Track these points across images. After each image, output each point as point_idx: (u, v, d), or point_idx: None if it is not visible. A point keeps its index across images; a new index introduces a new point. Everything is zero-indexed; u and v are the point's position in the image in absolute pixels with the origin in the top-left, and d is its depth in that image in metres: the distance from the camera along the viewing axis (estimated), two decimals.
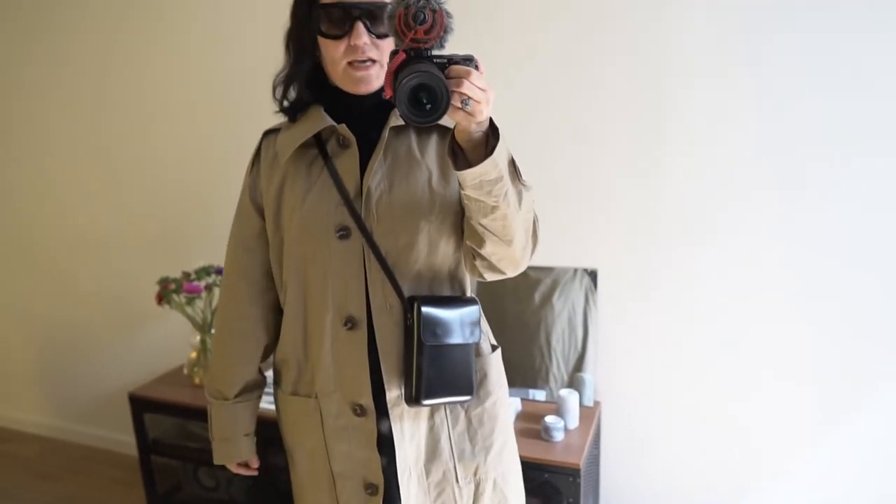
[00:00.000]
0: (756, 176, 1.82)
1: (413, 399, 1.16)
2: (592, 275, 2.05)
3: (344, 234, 1.17)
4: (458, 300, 1.21)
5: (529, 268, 2.07)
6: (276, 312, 1.33)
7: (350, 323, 1.19)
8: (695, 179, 1.88)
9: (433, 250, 1.19)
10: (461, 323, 1.18)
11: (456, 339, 1.17)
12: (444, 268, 1.22)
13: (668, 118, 1.88)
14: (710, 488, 2.05)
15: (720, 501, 2.05)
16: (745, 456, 1.99)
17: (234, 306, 1.32)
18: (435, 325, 1.15)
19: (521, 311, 2.12)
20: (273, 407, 1.39)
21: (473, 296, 1.27)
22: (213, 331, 1.42)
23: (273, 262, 1.28)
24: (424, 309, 1.15)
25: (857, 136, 1.72)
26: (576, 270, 2.06)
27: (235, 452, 1.35)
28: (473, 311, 1.21)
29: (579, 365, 2.07)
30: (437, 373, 1.15)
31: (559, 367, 2.09)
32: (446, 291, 1.23)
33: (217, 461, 1.37)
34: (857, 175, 1.74)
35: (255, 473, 1.42)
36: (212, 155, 2.54)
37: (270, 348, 1.36)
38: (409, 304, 1.17)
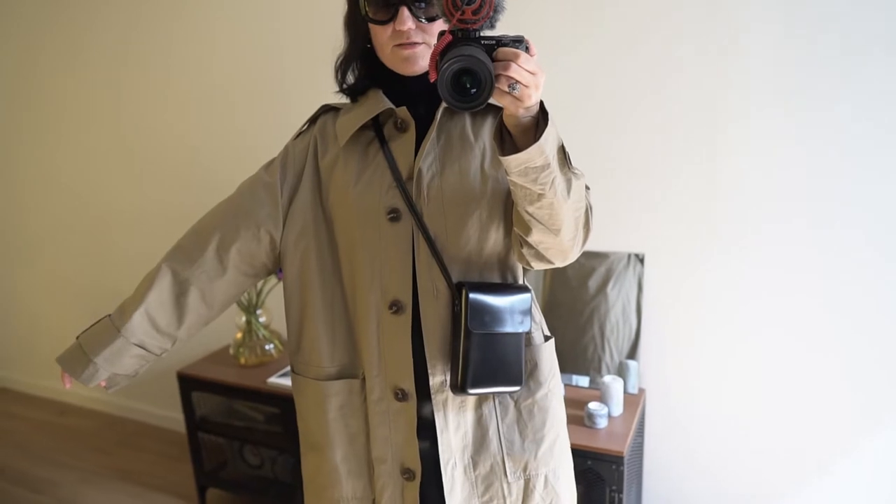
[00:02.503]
0: (807, 178, 1.75)
1: (458, 387, 1.14)
2: (644, 261, 2.00)
3: (394, 216, 1.15)
4: (508, 287, 1.17)
5: (583, 255, 2.06)
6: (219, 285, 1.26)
7: (395, 307, 1.17)
8: (747, 174, 1.82)
9: (484, 235, 1.16)
10: (511, 311, 1.15)
11: (505, 327, 1.14)
12: (495, 254, 1.19)
13: (725, 114, 1.83)
14: (756, 482, 2.00)
15: (765, 495, 2.00)
16: (791, 452, 1.94)
17: (194, 239, 1.27)
18: (483, 313, 1.12)
19: (574, 300, 2.09)
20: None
21: (525, 283, 1.25)
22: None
23: (257, 245, 1.24)
24: (472, 295, 1.12)
25: None
26: (629, 258, 2.02)
27: (89, 375, 1.27)
28: (525, 299, 1.17)
29: (633, 354, 2.04)
30: (484, 361, 1.13)
31: (612, 356, 2.06)
32: (497, 278, 1.20)
33: (59, 361, 1.29)
34: None
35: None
36: (247, 136, 2.56)
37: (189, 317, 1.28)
38: (457, 290, 1.14)
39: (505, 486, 1.23)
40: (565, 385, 2.04)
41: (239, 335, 2.37)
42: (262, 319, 2.37)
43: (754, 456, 1.99)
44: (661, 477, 2.12)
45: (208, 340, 2.83)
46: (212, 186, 2.68)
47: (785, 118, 1.76)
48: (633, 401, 1.96)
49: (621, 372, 2.01)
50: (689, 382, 2.02)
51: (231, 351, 2.40)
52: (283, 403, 2.16)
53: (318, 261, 1.24)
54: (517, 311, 1.16)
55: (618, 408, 1.87)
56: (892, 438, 1.82)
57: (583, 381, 2.07)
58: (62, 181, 3.12)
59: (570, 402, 1.95)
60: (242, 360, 2.35)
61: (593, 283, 2.06)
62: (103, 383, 1.31)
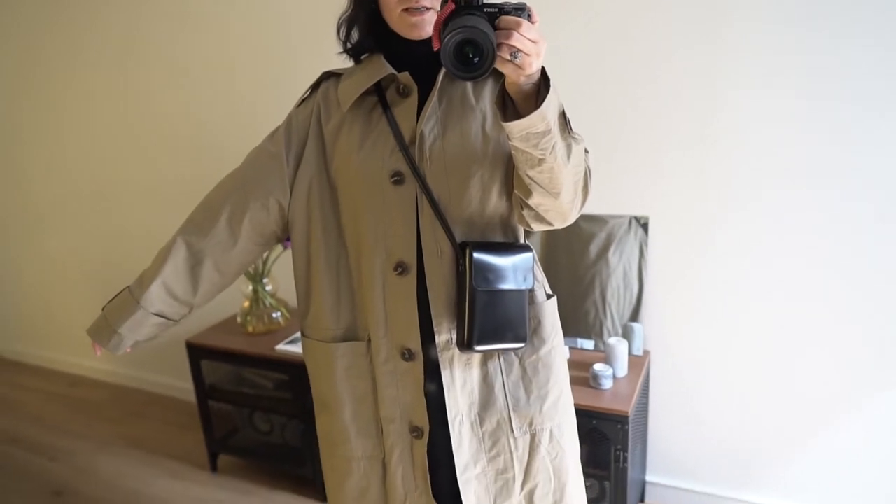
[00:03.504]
0: (813, 134, 1.74)
1: (465, 344, 1.16)
2: (646, 227, 2.00)
3: (398, 179, 1.16)
4: (511, 247, 1.19)
5: (583, 220, 2.07)
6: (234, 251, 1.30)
7: (400, 268, 1.19)
8: (750, 132, 1.81)
9: (486, 196, 1.18)
10: (514, 269, 1.17)
11: (508, 284, 1.16)
12: (497, 215, 1.21)
13: (724, 75, 1.81)
14: (758, 441, 2.02)
15: (767, 456, 2.03)
16: (795, 413, 1.96)
17: (204, 213, 1.30)
18: (487, 271, 1.14)
19: (575, 265, 2.10)
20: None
21: (527, 243, 1.26)
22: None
23: (265, 212, 1.26)
24: (476, 254, 1.14)
25: None
26: (630, 223, 2.02)
27: (115, 343, 1.35)
28: (527, 258, 1.20)
29: (634, 318, 2.05)
30: (489, 318, 1.15)
31: (613, 321, 2.07)
32: (499, 238, 1.22)
33: (89, 333, 1.37)
34: None
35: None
36: (254, 108, 2.55)
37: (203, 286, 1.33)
38: (461, 250, 1.16)
39: (511, 441, 1.26)
40: (570, 348, 2.06)
41: (246, 304, 2.39)
42: (268, 288, 2.39)
43: (757, 418, 2.01)
44: (666, 437, 2.15)
45: (216, 310, 2.85)
46: (218, 159, 2.68)
47: (789, 76, 1.74)
48: (638, 362, 1.98)
49: (626, 334, 2.02)
50: (694, 345, 2.03)
51: (238, 320, 2.42)
52: (292, 370, 2.18)
53: (322, 226, 1.25)
54: (520, 269, 1.18)
55: (622, 369, 1.89)
56: (893, 402, 1.84)
57: (587, 343, 2.09)
58: (69, 156, 3.12)
59: (575, 364, 1.97)
60: (250, 329, 2.37)
61: (594, 247, 2.06)
62: (129, 349, 1.38)
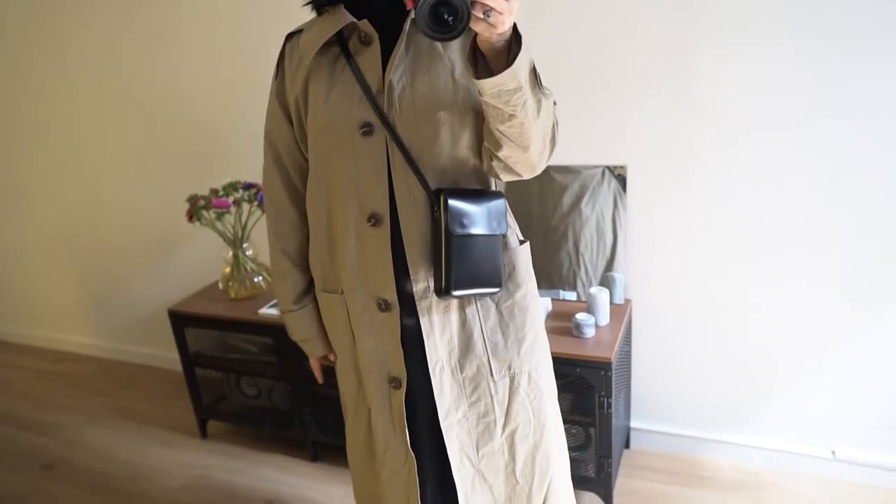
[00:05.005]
0: (791, 78, 1.73)
1: (443, 290, 1.17)
2: (621, 178, 2.00)
3: (367, 130, 1.16)
4: (483, 193, 1.20)
5: (556, 172, 2.06)
6: None
7: (374, 219, 1.19)
8: (729, 79, 1.79)
9: (456, 143, 1.17)
10: (488, 215, 1.18)
11: (483, 229, 1.17)
12: (469, 162, 1.20)
13: (703, 23, 1.78)
14: (738, 384, 2.06)
15: (748, 398, 2.06)
16: (773, 356, 1.99)
17: (273, 207, 1.34)
18: (462, 216, 1.15)
19: (548, 216, 2.09)
20: None
21: (500, 190, 1.26)
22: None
23: (304, 161, 1.29)
24: (451, 200, 1.14)
25: None
26: (604, 174, 2.01)
27: (312, 349, 1.43)
28: (499, 204, 1.21)
29: (609, 270, 2.06)
30: (466, 263, 1.16)
31: (587, 272, 2.08)
32: (471, 186, 1.22)
33: (308, 355, 1.47)
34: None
35: (328, 362, 1.50)
36: (234, 78, 2.50)
37: None
38: (436, 196, 1.16)
39: (491, 385, 1.28)
40: (552, 300, 2.07)
41: (227, 269, 2.38)
42: (249, 253, 2.38)
43: (737, 362, 2.04)
44: (649, 384, 2.18)
45: (197, 277, 2.84)
46: (198, 131, 2.64)
47: (766, 21, 1.73)
48: (620, 311, 1.99)
49: (607, 283, 2.04)
50: (674, 292, 2.05)
51: (220, 285, 2.41)
52: (276, 333, 2.18)
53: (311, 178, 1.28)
54: (493, 215, 1.19)
55: (605, 318, 1.91)
56: (871, 338, 1.87)
57: (569, 295, 2.10)
58: (49, 131, 3.05)
59: (557, 315, 1.99)
60: (232, 294, 2.36)
61: (567, 199, 2.06)
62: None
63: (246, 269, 2.36)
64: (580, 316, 1.86)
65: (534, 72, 0.99)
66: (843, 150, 1.74)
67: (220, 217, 2.26)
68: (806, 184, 1.80)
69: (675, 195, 1.96)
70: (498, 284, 1.21)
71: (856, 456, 1.99)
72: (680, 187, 1.94)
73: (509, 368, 1.28)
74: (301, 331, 1.40)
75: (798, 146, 1.78)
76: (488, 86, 0.95)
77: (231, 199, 2.27)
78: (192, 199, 2.28)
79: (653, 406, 2.21)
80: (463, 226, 1.15)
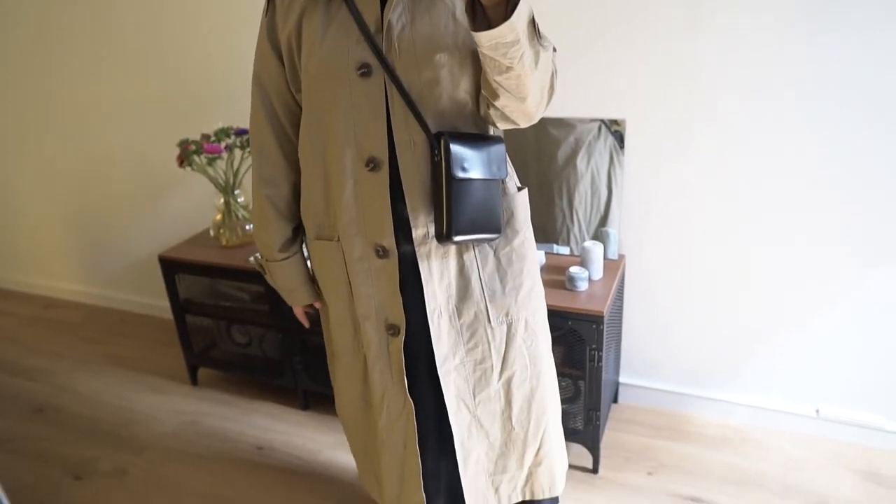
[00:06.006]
0: (797, 37, 1.69)
1: (444, 235, 1.15)
2: (618, 135, 1.97)
3: (365, 71, 1.12)
4: (484, 137, 1.18)
5: (552, 126, 2.03)
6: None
7: (372, 164, 1.16)
8: (736, 35, 1.75)
9: (456, 86, 1.15)
10: (488, 159, 1.16)
11: (484, 174, 1.16)
12: (468, 106, 1.18)
13: None
14: (728, 341, 2.07)
15: (737, 356, 2.08)
16: (763, 314, 2.00)
17: (260, 152, 1.30)
18: (462, 160, 1.13)
19: (543, 170, 2.07)
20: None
21: (499, 135, 1.24)
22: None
23: (295, 104, 1.25)
24: (452, 144, 1.12)
25: None
26: (600, 129, 1.98)
27: (297, 298, 1.41)
28: (499, 148, 1.19)
29: (603, 225, 2.05)
30: (467, 208, 1.14)
31: (580, 228, 2.07)
32: (470, 130, 1.20)
33: (289, 304, 1.45)
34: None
35: (311, 311, 1.49)
36: (226, 20, 2.43)
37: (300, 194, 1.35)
38: (436, 140, 1.14)
39: (489, 331, 1.27)
40: (545, 253, 2.06)
41: (218, 217, 2.35)
42: (240, 200, 2.34)
43: (727, 320, 2.05)
44: (640, 339, 2.19)
45: (187, 224, 2.82)
46: (184, 79, 2.58)
47: None
48: (613, 266, 1.99)
49: (601, 238, 2.03)
50: (669, 249, 2.04)
51: (211, 233, 2.38)
52: (267, 281, 2.17)
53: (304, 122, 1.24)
54: (494, 159, 1.18)
55: (598, 272, 1.90)
56: (852, 316, 1.88)
57: (563, 249, 2.09)
58: (34, 78, 2.97)
59: (550, 269, 1.98)
60: (224, 241, 2.34)
61: (562, 153, 2.04)
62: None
63: (237, 217, 2.34)
64: (574, 269, 1.85)
65: (532, 24, 0.97)
66: (846, 110, 1.72)
67: (211, 163, 2.22)
68: (805, 149, 1.79)
69: (674, 153, 1.93)
70: (497, 230, 1.19)
71: (839, 414, 2.02)
72: (679, 145, 1.92)
73: (507, 315, 1.27)
74: (287, 280, 1.37)
75: (804, 104, 1.76)
76: (486, 38, 0.93)
77: (223, 144, 2.23)
78: (183, 144, 2.23)
79: (641, 362, 2.22)
80: (464, 170, 1.13)
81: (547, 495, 1.47)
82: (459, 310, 1.26)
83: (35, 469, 2.17)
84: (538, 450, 1.40)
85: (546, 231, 2.10)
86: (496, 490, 1.42)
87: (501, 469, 1.40)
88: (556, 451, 1.44)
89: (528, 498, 1.47)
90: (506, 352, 1.30)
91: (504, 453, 1.39)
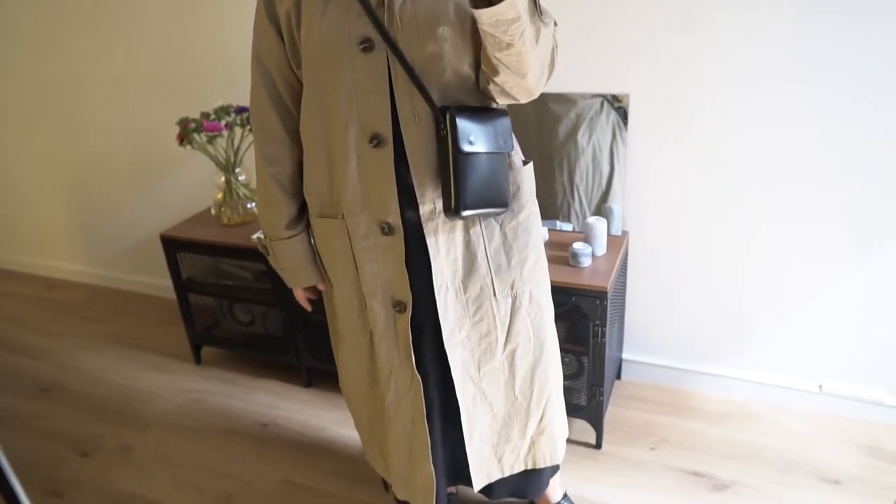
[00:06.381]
0: (800, 12, 1.68)
1: (452, 210, 1.15)
2: (621, 111, 1.95)
3: (367, 46, 1.11)
4: (489, 110, 1.17)
5: (553, 101, 2.01)
6: None
7: (376, 140, 1.15)
8: (744, 9, 1.73)
9: (460, 60, 1.13)
10: (494, 132, 1.15)
11: (490, 147, 1.15)
12: (471, 80, 1.17)
13: None
14: (731, 318, 2.07)
15: (739, 332, 2.08)
16: (766, 291, 1.99)
17: (263, 130, 1.28)
18: (469, 134, 1.12)
19: (544, 146, 2.05)
20: None
21: (504, 107, 1.23)
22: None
23: (296, 80, 1.23)
24: (458, 118, 1.11)
25: None
26: (603, 105, 1.96)
27: (300, 279, 1.38)
28: (505, 121, 1.18)
29: (604, 201, 2.04)
30: (475, 182, 1.13)
31: (581, 204, 2.06)
32: (475, 103, 1.19)
33: (290, 286, 1.43)
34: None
35: (315, 297, 1.47)
36: None
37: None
38: (442, 114, 1.12)
39: (494, 305, 1.28)
40: (549, 230, 2.06)
41: (220, 195, 2.34)
42: (241, 178, 2.33)
43: (730, 296, 2.04)
44: (643, 315, 2.19)
45: (188, 203, 2.81)
46: (177, 54, 2.55)
47: None
48: (617, 242, 1.98)
49: (604, 214, 2.02)
50: (672, 225, 2.03)
51: (213, 211, 2.37)
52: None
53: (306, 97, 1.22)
54: (500, 133, 1.17)
55: (601, 248, 1.90)
56: (855, 292, 1.87)
57: (566, 226, 2.08)
58: (28, 52, 2.94)
59: (554, 245, 1.97)
60: (225, 220, 2.33)
61: (563, 129, 2.02)
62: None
63: (238, 195, 2.33)
64: (577, 245, 1.84)
65: (534, 0, 0.96)
66: (855, 82, 1.70)
67: (211, 141, 2.20)
68: (809, 127, 1.77)
69: (678, 129, 1.92)
70: (505, 204, 1.19)
71: (842, 390, 2.02)
72: (683, 121, 1.90)
73: (511, 288, 1.27)
74: (291, 259, 1.36)
75: (811, 77, 1.73)
76: (486, 15, 0.92)
77: (223, 122, 2.21)
78: (183, 122, 2.22)
79: (645, 338, 2.22)
80: (470, 143, 1.12)
81: (548, 463, 1.48)
82: (465, 284, 1.26)
83: (41, 446, 2.18)
84: (540, 419, 1.41)
85: (546, 206, 2.08)
86: (499, 460, 1.44)
87: (505, 439, 1.41)
88: (558, 420, 1.45)
89: (529, 467, 1.48)
90: (510, 324, 1.30)
91: (507, 423, 1.40)
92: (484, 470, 1.42)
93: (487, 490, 1.53)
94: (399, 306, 1.27)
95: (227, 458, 2.06)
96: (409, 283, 1.24)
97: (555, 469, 1.57)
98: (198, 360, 2.57)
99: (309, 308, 1.48)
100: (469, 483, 1.46)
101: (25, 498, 0.71)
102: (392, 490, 1.54)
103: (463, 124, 1.11)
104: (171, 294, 3.07)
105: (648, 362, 2.24)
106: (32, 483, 2.02)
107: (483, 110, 1.16)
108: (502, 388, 1.35)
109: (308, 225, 1.36)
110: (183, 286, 2.42)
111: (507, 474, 1.47)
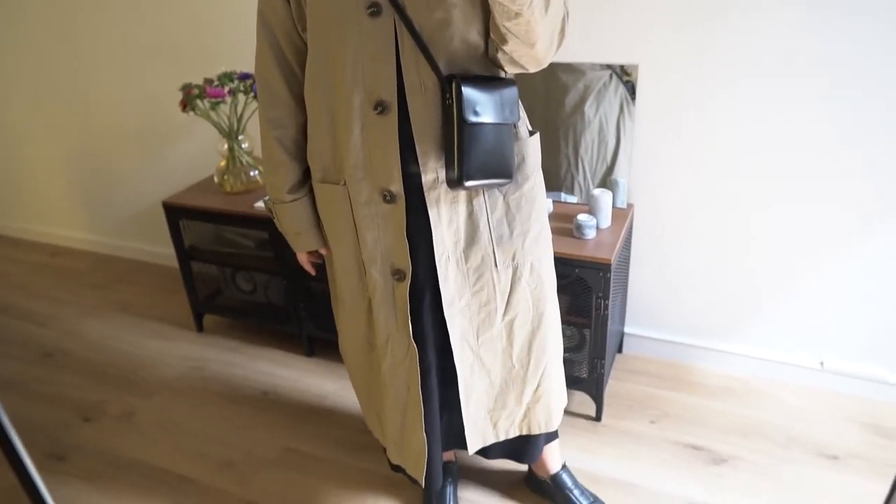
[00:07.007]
0: None
1: (455, 181, 1.13)
2: (629, 85, 1.92)
3: (374, 10, 1.08)
4: (496, 80, 1.15)
5: (561, 71, 1.98)
6: None
7: (380, 107, 1.14)
8: None
9: (468, 27, 1.11)
10: (501, 102, 1.13)
11: (496, 117, 1.13)
12: (479, 48, 1.15)
13: None
14: (734, 294, 2.06)
15: (742, 308, 2.07)
16: (766, 268, 1.98)
17: (267, 92, 1.27)
18: (475, 103, 1.10)
19: (550, 117, 2.03)
20: None
21: (511, 77, 1.21)
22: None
23: (302, 43, 1.22)
24: (464, 87, 1.09)
25: None
26: (611, 77, 1.93)
27: (304, 243, 1.38)
28: (512, 91, 1.16)
29: (606, 179, 2.01)
30: (479, 153, 1.12)
31: (585, 176, 2.04)
32: (482, 73, 1.17)
33: (294, 250, 1.42)
34: None
35: (319, 261, 1.47)
36: None
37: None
38: (448, 83, 1.10)
39: (495, 275, 1.27)
40: (554, 201, 2.04)
41: (222, 163, 2.32)
42: (244, 146, 2.32)
43: (734, 272, 2.03)
44: (645, 290, 2.18)
45: (191, 171, 2.79)
46: (199, 19, 2.52)
47: None
48: (622, 215, 1.96)
49: (610, 187, 2.00)
50: (678, 199, 2.01)
51: (216, 179, 2.36)
52: (272, 228, 2.15)
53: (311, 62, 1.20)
54: (506, 103, 1.15)
55: (606, 220, 1.88)
56: (858, 271, 1.86)
57: (571, 198, 2.07)
58: (32, 19, 2.91)
59: (558, 217, 1.96)
60: (228, 188, 2.32)
61: (570, 100, 1.99)
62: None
63: (241, 163, 2.31)
64: (582, 217, 1.83)
65: None
66: (857, 71, 1.67)
67: (214, 107, 2.18)
68: (821, 105, 1.74)
69: (687, 105, 1.88)
70: (509, 175, 1.17)
71: (844, 367, 2.01)
72: (692, 97, 1.87)
73: (513, 259, 1.27)
74: (295, 223, 1.35)
75: (823, 51, 1.70)
76: None
77: (226, 88, 2.19)
78: (186, 88, 2.19)
79: (647, 312, 2.22)
80: (476, 113, 1.10)
81: (543, 430, 1.49)
82: (467, 254, 1.25)
83: (45, 410, 2.20)
84: (537, 388, 1.41)
85: (550, 178, 2.06)
86: (494, 425, 1.45)
87: (501, 405, 1.42)
88: (555, 388, 1.46)
89: (524, 433, 1.49)
90: (510, 294, 1.29)
91: (504, 391, 1.40)
92: (479, 434, 1.44)
93: (483, 450, 1.54)
94: (398, 275, 1.26)
95: (229, 425, 2.07)
96: (409, 252, 1.23)
97: (550, 436, 1.58)
98: (200, 328, 2.58)
99: (313, 272, 1.48)
100: (462, 446, 1.47)
101: (29, 460, 0.71)
102: (387, 455, 1.55)
103: (469, 94, 1.09)
104: (173, 262, 3.07)
105: (650, 336, 2.24)
106: (36, 446, 2.03)
107: (490, 79, 1.14)
108: (500, 356, 1.35)
109: (312, 189, 1.35)
110: (185, 254, 2.41)
111: (501, 439, 1.48)
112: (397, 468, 1.62)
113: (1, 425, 0.68)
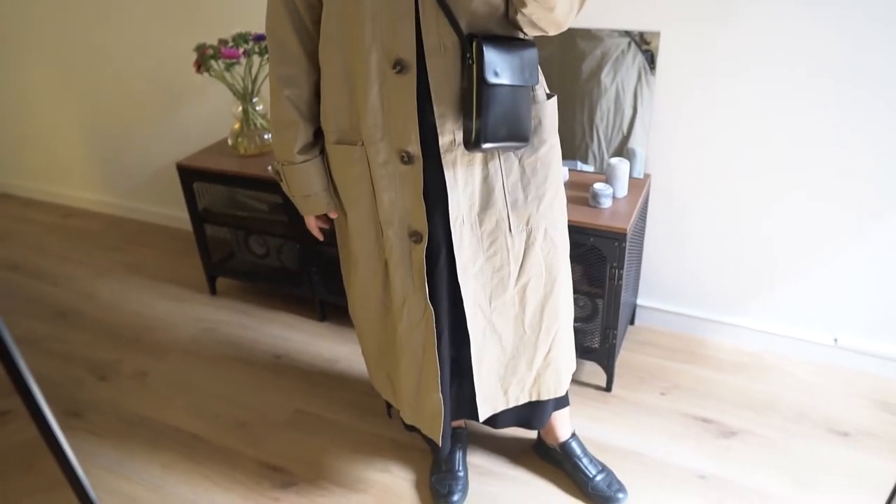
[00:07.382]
0: None
1: (472, 143, 1.12)
2: (648, 54, 1.88)
3: None
4: (516, 41, 1.13)
5: (579, 37, 1.94)
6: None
7: (399, 66, 1.12)
8: None
9: None
10: (521, 64, 1.11)
11: (516, 79, 1.11)
12: (500, 9, 1.13)
13: None
14: (748, 268, 2.04)
15: (757, 283, 2.05)
16: (780, 243, 1.95)
17: (279, 49, 1.24)
18: (495, 64, 1.08)
19: (566, 83, 1.99)
20: None
21: (531, 38, 1.18)
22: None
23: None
24: (485, 47, 1.07)
25: None
26: (630, 45, 1.89)
27: (313, 206, 1.36)
28: (532, 53, 1.14)
29: (621, 148, 1.99)
30: (498, 114, 1.10)
31: (600, 145, 2.01)
32: (503, 34, 1.15)
33: (303, 213, 1.41)
34: None
35: (327, 226, 1.45)
36: None
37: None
38: (468, 43, 1.08)
39: (509, 239, 1.26)
40: (569, 170, 2.02)
41: (237, 125, 2.31)
42: (259, 108, 2.30)
43: (750, 246, 2.01)
44: (660, 262, 2.16)
45: (205, 132, 2.78)
46: None
47: None
48: (638, 185, 1.94)
49: (627, 156, 1.97)
50: (695, 170, 1.98)
51: (230, 142, 2.34)
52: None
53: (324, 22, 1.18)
54: (526, 65, 1.13)
55: (622, 189, 1.86)
56: (873, 248, 1.83)
57: (587, 167, 2.04)
58: None
59: (574, 185, 1.94)
60: (242, 150, 2.31)
61: (587, 67, 1.95)
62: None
63: (255, 125, 2.30)
64: (598, 185, 1.81)
65: None
66: (881, 47, 1.63)
67: (229, 68, 2.16)
68: (847, 79, 1.70)
69: (708, 75, 1.84)
70: (526, 139, 1.15)
71: (857, 344, 2.00)
72: (715, 65, 1.83)
73: (527, 223, 1.26)
74: (305, 185, 1.33)
75: (843, 37, 1.66)
76: None
77: (241, 49, 2.17)
78: (201, 49, 2.17)
79: (661, 285, 2.20)
80: (496, 74, 1.08)
81: (552, 395, 1.49)
82: (481, 218, 1.24)
83: (61, 368, 2.22)
84: (547, 353, 1.41)
85: (565, 146, 2.02)
86: (505, 391, 1.45)
87: (512, 371, 1.42)
88: (565, 355, 1.46)
89: (534, 398, 1.49)
90: (524, 259, 1.29)
91: (515, 356, 1.40)
92: (490, 401, 1.44)
93: (492, 420, 1.54)
94: (415, 236, 1.25)
95: (241, 387, 2.09)
96: (425, 214, 1.22)
97: (559, 402, 1.58)
98: (213, 290, 2.59)
99: (321, 237, 1.47)
100: (472, 416, 1.47)
101: (51, 415, 0.72)
102: (400, 416, 1.56)
103: (490, 54, 1.07)
104: (186, 225, 3.07)
105: (663, 309, 2.23)
106: (52, 402, 2.06)
107: (510, 40, 1.11)
108: (512, 321, 1.35)
109: (322, 151, 1.33)
110: (199, 217, 2.42)
111: (511, 405, 1.48)
112: (411, 427, 1.63)
113: (24, 381, 0.68)
